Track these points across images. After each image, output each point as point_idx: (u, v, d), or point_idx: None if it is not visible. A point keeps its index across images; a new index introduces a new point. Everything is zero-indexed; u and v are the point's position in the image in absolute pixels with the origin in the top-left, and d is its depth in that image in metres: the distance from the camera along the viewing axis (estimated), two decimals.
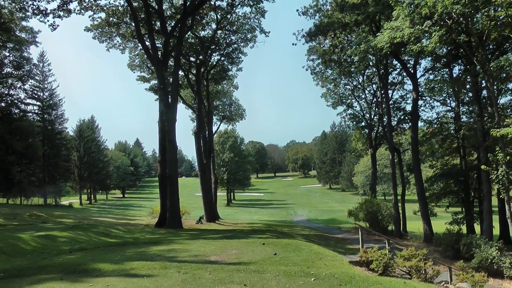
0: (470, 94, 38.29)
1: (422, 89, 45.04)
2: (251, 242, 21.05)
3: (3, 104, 66.74)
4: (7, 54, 64.12)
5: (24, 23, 58.67)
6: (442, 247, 32.22)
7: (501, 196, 32.54)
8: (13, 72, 66.31)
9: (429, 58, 41.89)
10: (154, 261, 13.81)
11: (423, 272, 17.15)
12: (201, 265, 13.20)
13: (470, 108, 41.05)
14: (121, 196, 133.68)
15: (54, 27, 36.25)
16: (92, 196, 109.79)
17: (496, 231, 35.74)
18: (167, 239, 23.40)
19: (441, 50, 36.55)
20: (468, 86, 36.63)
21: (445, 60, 39.28)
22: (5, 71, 65.35)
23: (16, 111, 70.31)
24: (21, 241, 21.08)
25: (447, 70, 41.83)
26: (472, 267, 24.50)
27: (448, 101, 44.36)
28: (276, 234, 28.82)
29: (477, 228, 39.98)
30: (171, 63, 44.86)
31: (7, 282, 11.25)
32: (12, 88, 68.64)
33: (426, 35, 28.59)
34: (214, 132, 69.74)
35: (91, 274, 11.66)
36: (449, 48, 35.66)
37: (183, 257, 16.23)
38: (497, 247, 27.23)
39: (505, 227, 36.41)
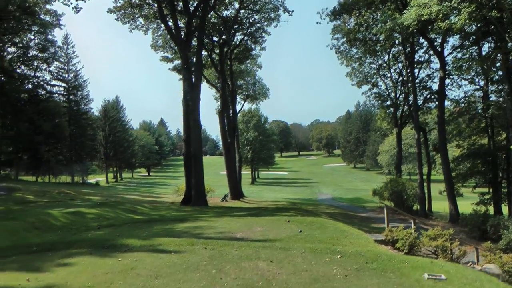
0: (500, 73, 37.46)
1: (450, 68, 44.13)
2: (276, 220, 21.17)
3: (30, 86, 67.65)
4: (32, 37, 64.76)
5: (48, 6, 58.78)
6: (468, 227, 31.85)
7: None
8: (39, 54, 66.93)
9: (457, 36, 40.90)
10: (181, 238, 13.97)
11: (449, 252, 17.01)
12: (227, 241, 13.33)
13: (500, 87, 40.16)
14: (147, 174, 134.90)
15: (78, 9, 36.51)
16: (118, 174, 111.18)
17: None
18: (193, 216, 23.62)
19: (470, 28, 35.67)
20: (498, 64, 35.83)
21: (474, 37, 38.32)
22: (30, 54, 66.05)
23: (42, 92, 71.10)
24: (51, 217, 21.54)
25: (476, 48, 40.83)
26: (499, 248, 24.21)
27: (477, 79, 43.50)
28: (301, 212, 28.89)
29: (505, 209, 39.47)
30: (194, 43, 44.82)
31: (40, 255, 11.54)
32: (38, 70, 69.32)
33: (454, 11, 27.92)
34: (238, 111, 69.64)
35: (120, 249, 11.85)
36: (478, 25, 34.79)
37: (209, 233, 16.41)
38: None
39: None
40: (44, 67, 70.20)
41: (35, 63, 67.65)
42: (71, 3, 36.08)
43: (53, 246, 12.82)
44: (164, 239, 13.43)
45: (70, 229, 18.83)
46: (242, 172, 65.76)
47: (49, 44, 67.41)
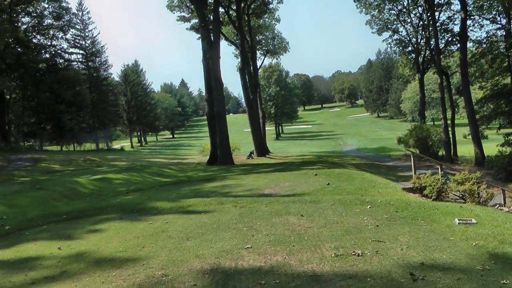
0: None
1: (470, 8, 43.25)
2: (303, 174, 21.22)
3: (47, 55, 68.00)
4: (46, 5, 64.85)
5: None
6: (494, 169, 31.69)
7: None
8: (54, 23, 67.17)
9: None
10: (209, 197, 14.08)
11: (477, 195, 16.95)
12: (256, 198, 13.40)
13: None
14: (171, 136, 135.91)
15: None
16: (142, 138, 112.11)
17: None
18: (220, 176, 23.77)
19: None
20: None
21: None
22: (45, 22, 66.23)
23: (60, 61, 71.64)
24: (79, 185, 21.86)
25: None
26: None
27: (498, 18, 42.63)
28: (327, 165, 28.89)
29: None
30: (210, 0, 44.34)
31: (71, 223, 11.71)
32: (54, 39, 69.77)
33: None
34: (258, 67, 69.35)
35: (149, 212, 11.98)
36: None
37: (238, 191, 16.51)
38: None
39: None
40: (60, 36, 70.74)
41: (51, 32, 67.92)
42: None
43: (82, 214, 12.99)
44: (193, 200, 13.55)
45: (99, 196, 19.07)
46: (266, 128, 65.79)
47: (64, 11, 67.49)
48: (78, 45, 79.31)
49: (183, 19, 55.12)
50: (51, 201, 17.96)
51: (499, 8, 39.54)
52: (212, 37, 38.78)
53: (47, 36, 67.48)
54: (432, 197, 16.73)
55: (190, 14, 53.52)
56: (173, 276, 6.31)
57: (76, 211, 13.59)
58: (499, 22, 42.50)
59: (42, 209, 15.79)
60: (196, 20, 49.00)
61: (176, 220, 10.55)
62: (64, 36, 72.18)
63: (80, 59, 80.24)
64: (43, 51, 66.74)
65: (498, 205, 18.42)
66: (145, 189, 20.23)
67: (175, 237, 8.83)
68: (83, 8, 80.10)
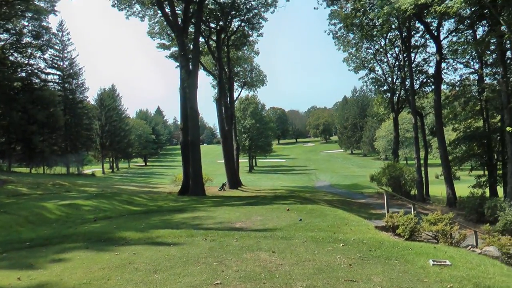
0: (495, 56, 37.56)
1: (445, 52, 44.18)
2: (275, 208, 21.04)
3: (23, 74, 66.94)
4: (26, 23, 64.04)
5: None
6: (465, 210, 32.10)
7: None
8: (33, 41, 66.33)
9: (453, 20, 41.01)
10: (179, 229, 13.79)
11: (450, 236, 16.96)
12: (227, 232, 13.15)
13: (494, 70, 40.36)
14: (143, 164, 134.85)
15: None
16: (114, 164, 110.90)
17: None
18: (191, 207, 23.48)
19: (465, 11, 35.79)
20: (492, 47, 35.87)
21: (469, 21, 38.57)
22: (24, 40, 65.33)
23: (36, 80, 70.46)
24: (46, 210, 21.34)
25: (471, 31, 41.03)
26: (497, 230, 24.25)
27: (472, 63, 43.67)
28: (300, 200, 28.82)
29: (500, 191, 39.68)
30: (191, 29, 44.49)
31: (34, 251, 11.24)
32: (32, 57, 68.73)
33: None
34: (235, 98, 69.56)
35: (117, 242, 11.64)
36: (473, 8, 34.84)
37: (208, 224, 16.25)
38: None
39: None
40: (38, 55, 69.79)
41: (29, 51, 67.01)
42: None
43: (47, 241, 12.52)
44: (162, 231, 13.24)
45: (66, 222, 18.61)
46: (239, 160, 65.65)
47: (44, 30, 66.85)
48: (56, 65, 78.41)
49: (163, 46, 55.23)
50: (14, 226, 17.44)
51: (473, 53, 40.47)
52: (190, 66, 38.80)
53: (24, 54, 66.56)
54: (405, 236, 16.68)
55: (170, 42, 53.68)
56: None
57: (41, 238, 13.10)
58: (472, 67, 43.57)
59: (4, 235, 15.32)
60: (176, 48, 49.15)
61: (144, 252, 10.25)
62: (42, 56, 71.35)
63: (57, 80, 79.24)
64: (19, 69, 65.81)
65: (470, 246, 18.42)
66: (114, 217, 19.83)
67: (142, 269, 8.55)
68: (63, 28, 79.50)
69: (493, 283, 8.01)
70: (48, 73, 76.69)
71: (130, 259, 9.54)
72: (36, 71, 70.31)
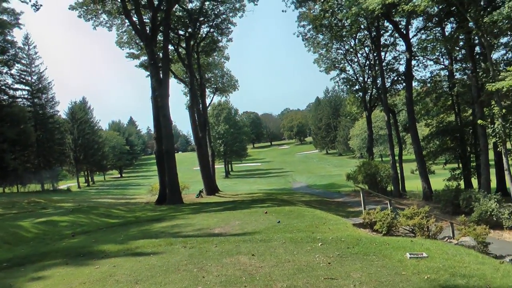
0: (463, 51, 38.28)
1: (415, 49, 44.78)
2: (254, 212, 21.10)
3: None
4: None
5: (4, 4, 57.39)
6: (441, 203, 32.53)
7: (498, 149, 32.87)
8: None
9: (421, 18, 41.56)
10: (158, 238, 13.73)
11: (426, 229, 17.22)
12: (206, 238, 13.15)
13: (464, 65, 41.13)
14: (119, 176, 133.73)
15: (37, 7, 35.39)
16: (89, 178, 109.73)
17: (493, 184, 36.08)
18: (169, 215, 23.38)
19: (432, 9, 36.30)
20: (461, 44, 36.51)
21: (437, 18, 39.17)
22: None
23: (4, 97, 69.57)
24: (22, 229, 21.01)
25: (439, 28, 41.73)
26: (472, 221, 24.64)
27: (441, 59, 44.34)
28: (277, 202, 28.87)
29: (474, 182, 40.34)
30: (160, 38, 44.37)
31: (12, 271, 11.05)
32: None
33: None
34: (208, 104, 69.61)
35: (97, 256, 11.57)
36: (441, 6, 35.35)
37: (187, 231, 16.23)
38: (495, 200, 27.53)
39: (502, 179, 36.79)
40: (4, 70, 68.89)
41: None
42: (30, 0, 34.97)
43: (25, 260, 12.32)
44: (141, 241, 13.17)
45: (43, 240, 18.33)
46: (215, 166, 65.61)
47: (9, 45, 66.07)
48: (24, 80, 77.10)
49: (132, 55, 54.93)
50: None
51: (442, 49, 41.04)
52: (161, 75, 38.69)
53: None
54: (383, 232, 16.90)
55: (139, 51, 53.41)
56: None
57: (18, 258, 12.88)
58: (442, 63, 44.19)
59: None
60: (145, 57, 48.92)
61: (124, 263, 10.21)
62: (9, 71, 70.49)
63: (26, 95, 78.02)
64: None
65: (447, 238, 18.72)
66: (92, 231, 19.63)
67: (123, 281, 8.52)
68: (29, 42, 78.17)
69: (469, 271, 8.19)
70: (16, 89, 75.84)
71: (110, 271, 9.50)
72: (3, 87, 69.37)
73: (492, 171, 36.46)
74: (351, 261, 9.21)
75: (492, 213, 26.41)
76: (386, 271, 8.20)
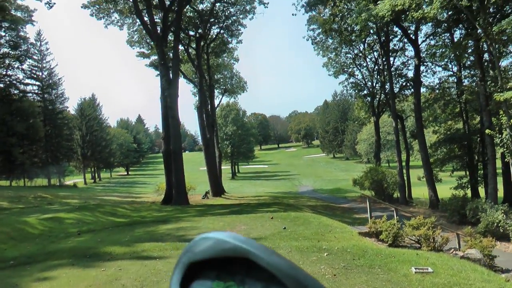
0: (472, 58, 38.13)
1: (424, 55, 44.67)
2: (259, 217, 21.06)
3: (1, 85, 66.18)
4: (3, 33, 63.49)
5: (19, 1, 58.10)
6: (448, 212, 32.36)
7: (506, 159, 32.67)
8: (10, 52, 65.80)
9: (430, 24, 41.47)
10: (164, 241, 13.78)
11: (432, 240, 17.15)
12: None
13: (472, 72, 40.99)
14: (125, 173, 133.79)
15: (51, 5, 35.70)
16: (96, 174, 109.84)
17: (500, 193, 35.84)
18: (175, 217, 23.40)
19: (442, 15, 36.22)
20: (469, 50, 36.38)
21: (446, 25, 39.11)
22: (2, 51, 64.81)
23: (15, 92, 69.75)
24: (28, 225, 21.09)
25: (448, 35, 41.65)
26: (478, 232, 24.57)
27: (450, 65, 44.18)
28: (283, 207, 28.84)
29: (481, 191, 40.09)
30: (170, 38, 44.45)
31: (18, 270, 11.11)
32: (10, 68, 68.13)
33: (427, 1, 28.24)
34: (216, 105, 69.50)
35: (103, 257, 11.60)
36: (450, 12, 35.33)
37: (193, 235, 16.08)
38: (502, 211, 27.32)
39: (510, 189, 36.61)
40: (16, 65, 69.16)
41: (7, 61, 66.42)
42: None
43: (31, 259, 12.38)
44: (147, 244, 13.22)
45: (49, 237, 18.36)
46: (222, 167, 65.63)
47: (21, 41, 66.40)
48: (35, 76, 77.05)
49: (142, 55, 55.01)
50: None
51: (451, 56, 40.93)
52: (171, 75, 38.73)
53: (2, 65, 65.87)
54: (388, 242, 16.83)
55: (150, 51, 53.44)
56: None
57: (24, 256, 12.96)
58: (451, 70, 44.05)
59: None
60: (156, 57, 48.95)
61: (130, 267, 10.24)
62: (20, 66, 70.63)
63: (36, 91, 77.92)
64: None
65: (453, 249, 18.64)
66: (98, 230, 19.70)
67: (129, 285, 8.56)
68: (41, 38, 78.09)
69: None
70: (27, 84, 75.76)
71: (116, 275, 9.53)
72: (14, 82, 69.64)
73: (500, 180, 36.29)
74: (356, 273, 9.19)
75: (499, 225, 26.24)
76: (391, 286, 8.19)
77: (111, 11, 44.23)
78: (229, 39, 57.10)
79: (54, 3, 35.24)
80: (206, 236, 0.73)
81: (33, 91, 77.61)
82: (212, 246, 0.71)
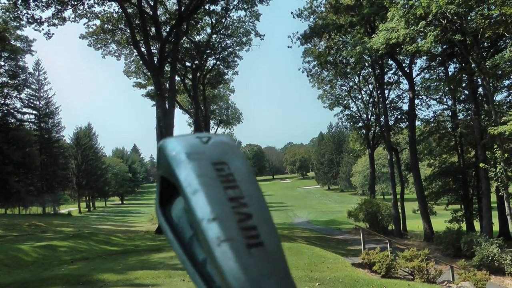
0: (466, 92, 38.61)
1: (418, 88, 45.13)
2: None
3: None
4: (2, 63, 63.93)
5: (19, 32, 58.49)
6: (442, 245, 32.28)
7: (500, 193, 32.77)
8: (9, 81, 66.13)
9: (425, 57, 41.96)
10: (157, 270, 13.77)
11: (426, 272, 17.18)
12: None
13: (467, 106, 41.43)
14: (120, 203, 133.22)
15: (49, 35, 36.19)
16: (90, 203, 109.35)
17: (496, 227, 35.89)
18: (168, 246, 22.99)
19: (436, 49, 36.71)
20: (464, 84, 36.83)
21: (440, 59, 39.59)
22: (0, 80, 65.18)
23: (12, 120, 69.95)
24: (21, 252, 21.02)
25: (442, 68, 42.12)
26: (473, 265, 24.56)
27: (445, 99, 44.69)
28: None
29: (477, 225, 40.14)
30: (167, 68, 44.82)
31: None
32: (8, 97, 68.43)
33: (421, 35, 28.70)
34: None
35: (96, 285, 11.60)
36: (444, 47, 35.87)
37: None
38: (497, 244, 27.28)
39: (505, 223, 36.58)
40: (14, 94, 69.44)
41: (5, 90, 66.65)
42: (43, 29, 35.83)
43: (24, 285, 12.35)
44: (140, 272, 13.22)
45: (42, 265, 18.34)
46: None
47: (20, 70, 66.85)
48: (32, 105, 77.37)
49: (139, 85, 55.42)
50: None
51: (445, 89, 41.41)
52: (167, 105, 38.90)
53: (0, 94, 66.20)
54: (381, 273, 16.85)
55: (146, 81, 53.89)
56: None
57: (18, 283, 12.92)
58: (446, 103, 44.52)
59: None
60: (152, 87, 49.30)
61: None
62: (18, 95, 70.99)
63: (33, 120, 78.13)
64: None
65: (446, 282, 18.64)
66: (91, 258, 19.66)
67: None
68: (40, 68, 78.82)
69: None
70: (24, 113, 76.02)
71: None
72: (12, 111, 69.90)
73: (495, 214, 36.36)
74: None
75: (494, 258, 26.20)
76: None
77: (109, 41, 44.76)
78: (225, 71, 57.60)
79: (53, 34, 35.79)
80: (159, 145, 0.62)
81: (30, 120, 77.89)
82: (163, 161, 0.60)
